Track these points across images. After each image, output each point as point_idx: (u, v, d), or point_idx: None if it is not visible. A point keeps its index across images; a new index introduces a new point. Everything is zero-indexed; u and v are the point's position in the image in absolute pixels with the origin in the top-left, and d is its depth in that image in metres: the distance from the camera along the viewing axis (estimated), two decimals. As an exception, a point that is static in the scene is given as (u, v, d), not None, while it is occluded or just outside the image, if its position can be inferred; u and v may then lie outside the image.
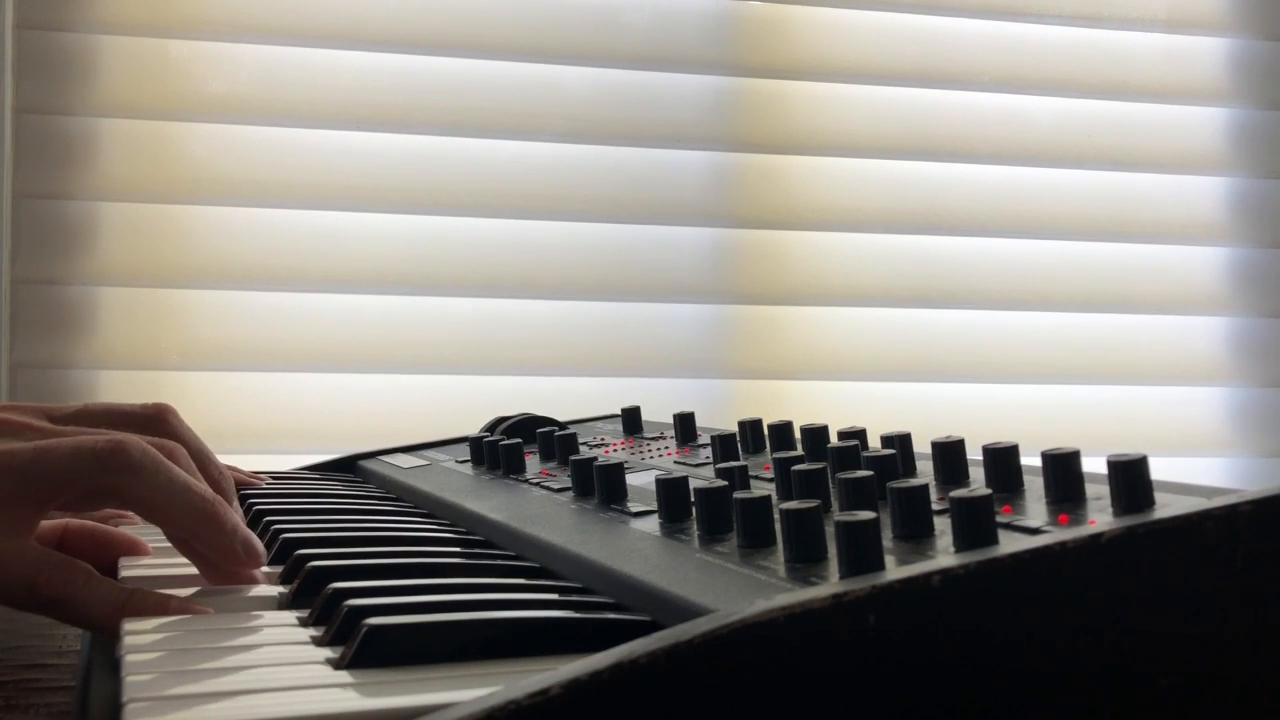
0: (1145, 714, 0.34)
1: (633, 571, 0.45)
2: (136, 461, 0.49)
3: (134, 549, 0.59)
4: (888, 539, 0.42)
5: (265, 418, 1.33)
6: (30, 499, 0.49)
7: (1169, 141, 1.60)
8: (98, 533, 0.59)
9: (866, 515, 0.37)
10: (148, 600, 0.48)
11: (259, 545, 0.52)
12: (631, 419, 0.84)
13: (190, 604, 0.48)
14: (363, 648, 0.38)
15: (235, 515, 0.52)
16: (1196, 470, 1.55)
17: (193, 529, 0.51)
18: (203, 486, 0.51)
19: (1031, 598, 0.33)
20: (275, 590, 0.51)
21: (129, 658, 0.39)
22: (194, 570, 0.54)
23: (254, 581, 0.51)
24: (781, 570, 0.41)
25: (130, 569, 0.55)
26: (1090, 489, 0.43)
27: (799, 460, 0.52)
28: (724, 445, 0.64)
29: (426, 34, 1.38)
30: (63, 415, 0.58)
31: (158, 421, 0.59)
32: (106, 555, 0.58)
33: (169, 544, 0.54)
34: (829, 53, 1.50)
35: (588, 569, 0.48)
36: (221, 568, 0.51)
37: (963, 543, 0.38)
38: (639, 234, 1.44)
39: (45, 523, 0.57)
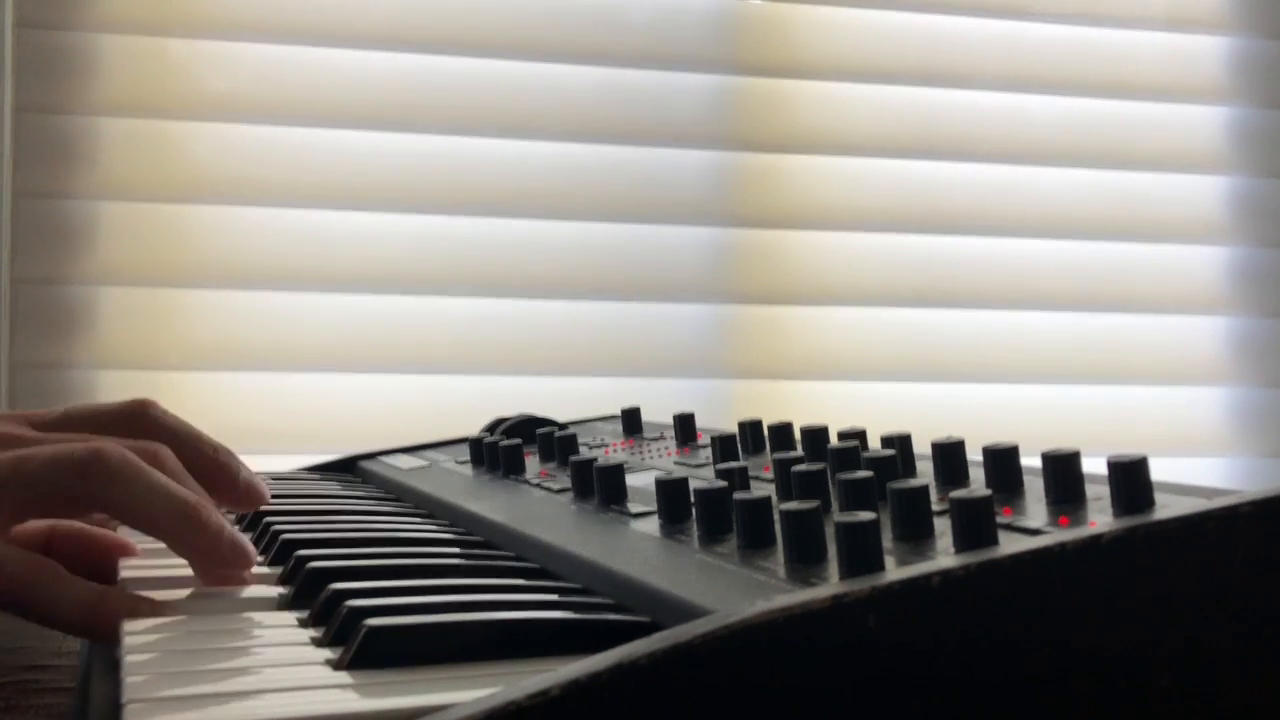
0: (1146, 715, 0.34)
1: (633, 572, 0.45)
2: (114, 468, 0.48)
3: (124, 551, 0.58)
4: (888, 540, 0.42)
5: (265, 418, 1.33)
6: (3, 508, 0.48)
7: (1169, 141, 1.60)
8: (85, 534, 0.58)
9: (866, 516, 0.37)
10: (120, 601, 0.47)
11: (246, 546, 0.51)
12: (631, 419, 0.84)
13: (164, 608, 0.47)
14: (362, 648, 0.38)
15: (217, 517, 0.51)
16: (1196, 471, 1.55)
17: (175, 533, 0.50)
18: (183, 490, 0.50)
19: (1032, 599, 0.33)
20: (275, 591, 0.51)
21: (129, 658, 0.39)
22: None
23: (243, 583, 0.51)
24: (781, 571, 0.41)
25: (131, 571, 0.55)
26: (1090, 490, 0.43)
27: (799, 461, 0.52)
28: (724, 446, 0.64)
29: (426, 34, 1.38)
30: (46, 422, 0.57)
31: (139, 417, 0.57)
32: (95, 557, 0.57)
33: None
34: (830, 52, 1.50)
35: (588, 569, 0.48)
36: (211, 570, 0.51)
37: (963, 544, 0.38)
38: (639, 234, 1.44)
39: (32, 524, 0.56)
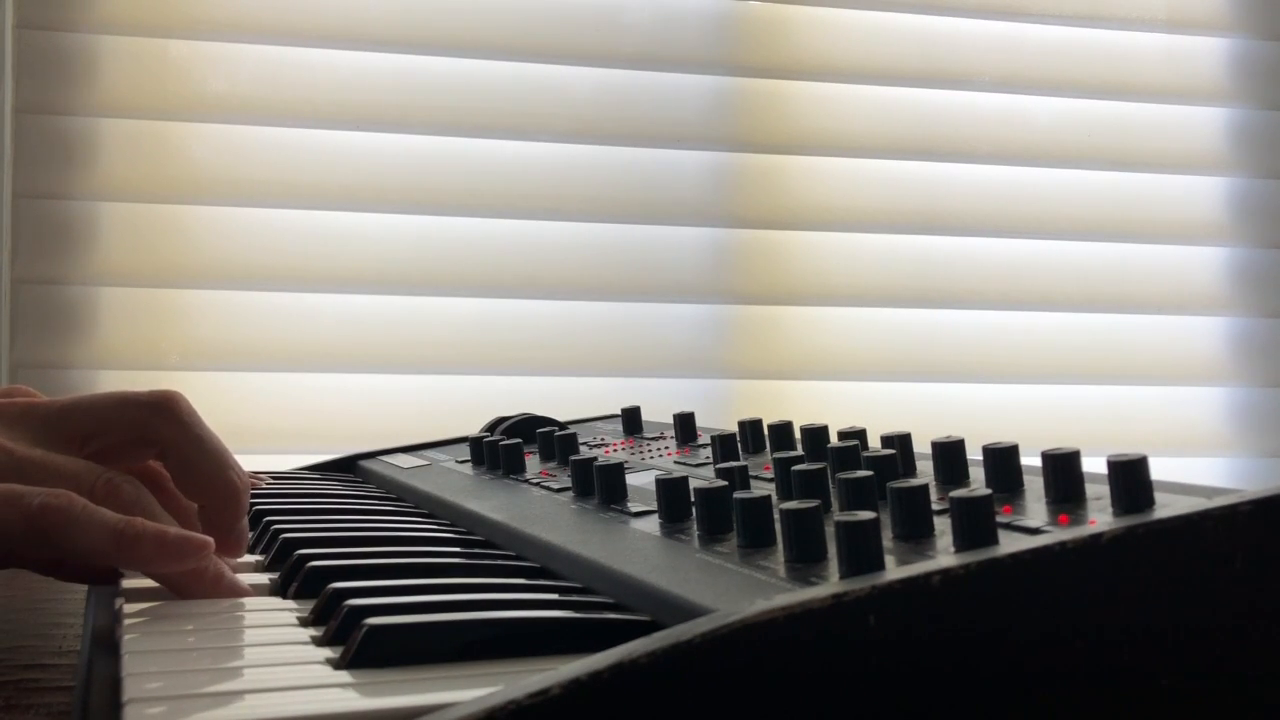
0: (1145, 714, 0.34)
1: (633, 571, 0.45)
2: (62, 522, 0.48)
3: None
4: (888, 539, 0.42)
5: (265, 418, 1.33)
6: None
7: (1169, 141, 1.60)
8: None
9: (866, 515, 0.37)
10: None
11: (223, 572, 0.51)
12: (631, 419, 0.84)
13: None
14: (363, 647, 0.38)
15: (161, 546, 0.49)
16: (1196, 470, 1.55)
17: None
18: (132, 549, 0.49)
19: (1032, 598, 0.33)
20: (274, 590, 0.51)
21: (129, 658, 0.39)
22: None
23: (242, 592, 0.51)
24: (781, 570, 0.41)
25: (132, 578, 0.54)
26: (1090, 489, 0.43)
27: (799, 460, 0.52)
28: (724, 445, 0.64)
29: (426, 34, 1.38)
30: (51, 413, 0.56)
31: (162, 410, 0.56)
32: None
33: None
34: (829, 53, 1.50)
35: (588, 569, 0.48)
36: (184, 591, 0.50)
37: (963, 543, 0.38)
38: (639, 234, 1.44)
39: None
